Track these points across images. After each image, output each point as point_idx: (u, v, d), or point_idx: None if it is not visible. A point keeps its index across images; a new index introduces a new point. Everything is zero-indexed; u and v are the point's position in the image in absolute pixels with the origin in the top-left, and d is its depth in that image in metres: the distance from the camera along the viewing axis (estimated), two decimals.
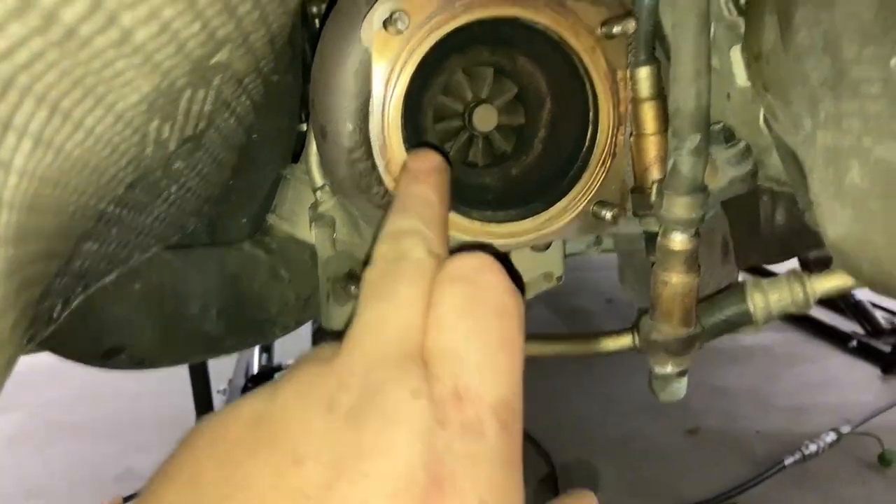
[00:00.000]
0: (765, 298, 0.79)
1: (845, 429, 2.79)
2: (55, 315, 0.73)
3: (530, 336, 0.88)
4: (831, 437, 2.74)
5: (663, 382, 0.80)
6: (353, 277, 0.92)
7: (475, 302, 0.42)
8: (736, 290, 0.81)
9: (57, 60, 0.42)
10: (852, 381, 3.33)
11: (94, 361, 0.94)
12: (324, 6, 1.34)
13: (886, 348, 3.43)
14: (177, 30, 0.48)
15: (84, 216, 0.63)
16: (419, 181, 0.55)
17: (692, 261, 0.73)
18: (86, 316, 0.90)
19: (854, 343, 3.54)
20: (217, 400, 3.45)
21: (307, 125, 1.19)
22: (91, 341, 0.91)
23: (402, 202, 0.53)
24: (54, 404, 3.21)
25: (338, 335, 0.52)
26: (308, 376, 0.40)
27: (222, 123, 0.70)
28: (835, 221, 0.62)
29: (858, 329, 3.63)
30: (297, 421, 0.37)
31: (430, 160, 0.59)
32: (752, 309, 0.79)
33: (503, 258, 0.47)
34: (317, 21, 1.32)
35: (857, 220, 0.59)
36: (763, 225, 1.17)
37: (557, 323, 3.71)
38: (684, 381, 0.81)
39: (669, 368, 0.79)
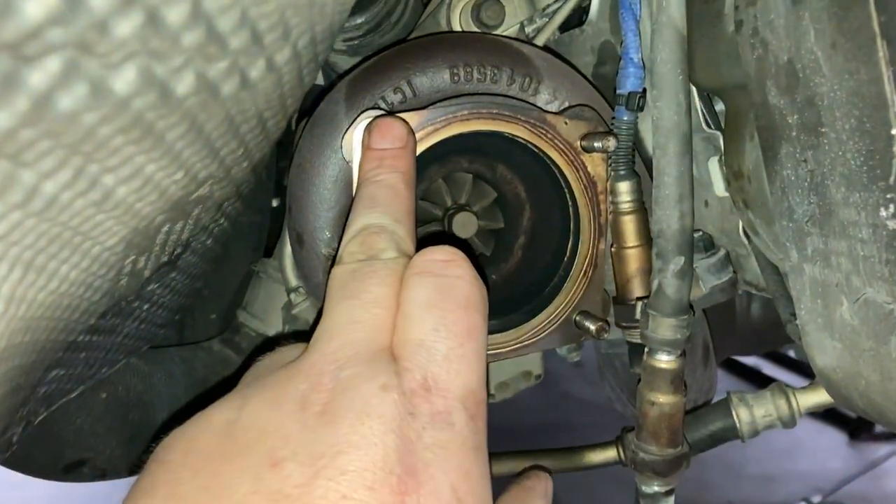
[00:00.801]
0: (750, 413, 0.78)
1: (816, 498, 2.79)
2: (15, 440, 0.69)
3: (515, 452, 0.86)
4: None
5: (651, 501, 0.79)
6: None
7: (441, 294, 0.43)
8: (721, 404, 0.80)
9: (35, 226, 0.40)
10: (820, 448, 3.34)
11: (53, 476, 0.89)
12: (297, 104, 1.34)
13: (853, 414, 3.45)
14: (159, 180, 0.46)
15: (53, 349, 0.60)
16: (384, 165, 0.54)
17: (679, 380, 0.72)
18: (47, 431, 0.85)
19: None
20: None
21: (279, 201, 1.18)
22: (51, 457, 0.87)
23: (370, 192, 0.52)
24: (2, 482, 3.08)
25: (298, 335, 0.50)
26: (277, 379, 0.41)
27: (199, 245, 0.68)
28: (823, 352, 0.62)
29: None
30: (271, 423, 0.38)
31: (393, 133, 0.57)
32: (737, 424, 0.78)
33: (469, 250, 0.46)
34: None
35: (846, 354, 0.58)
36: (739, 319, 1.17)
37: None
38: (672, 499, 0.79)
39: (656, 487, 0.77)
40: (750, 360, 3.73)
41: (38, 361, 0.59)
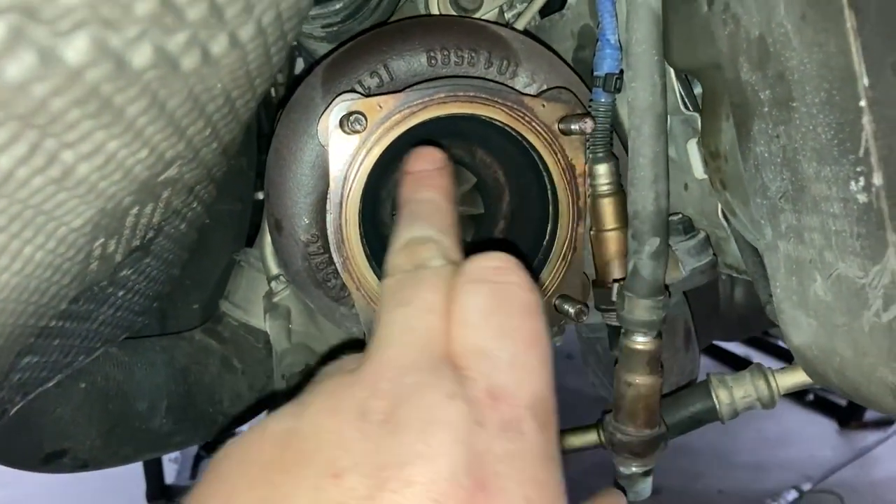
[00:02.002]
0: (730, 394, 0.78)
1: (806, 486, 2.80)
2: None
3: None
4: (792, 495, 2.75)
5: (629, 482, 0.79)
6: (310, 375, 0.89)
7: (500, 301, 0.42)
8: (700, 386, 0.80)
9: None
10: (810, 436, 3.36)
11: (33, 466, 0.89)
12: (280, 76, 1.33)
13: (843, 402, 3.47)
14: (122, 158, 0.46)
15: (23, 335, 0.60)
16: (424, 185, 0.54)
17: (655, 361, 0.72)
18: (25, 421, 0.85)
19: (811, 397, 3.58)
20: (168, 468, 3.33)
21: (263, 194, 1.17)
22: (31, 447, 0.86)
23: (411, 210, 0.52)
24: None
25: (358, 346, 0.49)
26: (335, 388, 0.39)
27: (172, 230, 0.68)
28: (798, 329, 0.62)
29: None
30: (331, 433, 0.36)
31: (431, 159, 0.57)
32: (717, 405, 0.78)
33: (522, 257, 0.45)
34: (273, 90, 1.31)
35: (821, 330, 0.58)
36: (723, 304, 1.17)
37: None
38: (649, 480, 0.79)
39: (634, 468, 0.77)
40: (741, 350, 3.75)
41: (8, 347, 0.58)
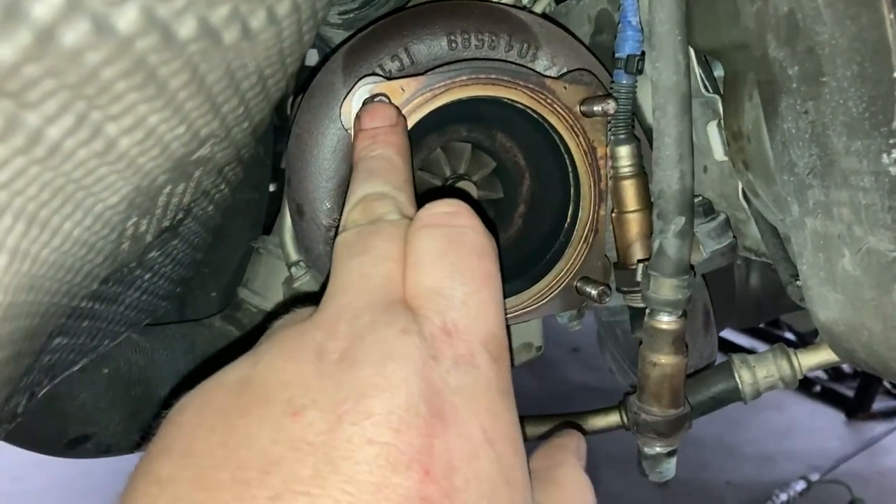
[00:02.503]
0: (752, 375, 0.78)
1: (814, 476, 2.80)
2: (20, 410, 0.69)
3: (521, 418, 0.86)
4: (801, 485, 2.75)
5: (653, 462, 0.79)
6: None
7: (452, 243, 0.43)
8: (723, 366, 0.80)
9: (38, 174, 0.40)
10: (818, 427, 3.36)
11: (57, 452, 0.89)
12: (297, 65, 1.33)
13: (850, 392, 3.47)
14: (161, 133, 0.46)
15: (56, 314, 0.60)
16: (378, 142, 0.55)
17: (680, 341, 0.72)
18: (50, 405, 0.85)
19: (818, 388, 3.58)
20: None
21: (276, 185, 1.17)
22: (55, 432, 0.87)
23: (367, 166, 0.53)
24: (1, 474, 3.07)
25: (308, 299, 0.50)
26: (291, 334, 0.40)
27: (200, 212, 0.68)
28: (826, 306, 0.62)
29: (821, 374, 3.68)
30: (288, 375, 0.37)
31: (384, 116, 0.58)
32: (740, 385, 0.78)
33: (475, 203, 0.46)
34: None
35: (849, 306, 0.59)
36: (738, 290, 1.17)
37: (523, 372, 3.68)
38: (674, 460, 0.79)
39: (658, 448, 0.78)
40: (747, 342, 3.75)
41: (42, 326, 0.59)
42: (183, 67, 0.41)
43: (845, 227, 0.56)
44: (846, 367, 3.59)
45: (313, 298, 0.45)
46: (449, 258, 0.42)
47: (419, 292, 0.41)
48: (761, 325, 3.66)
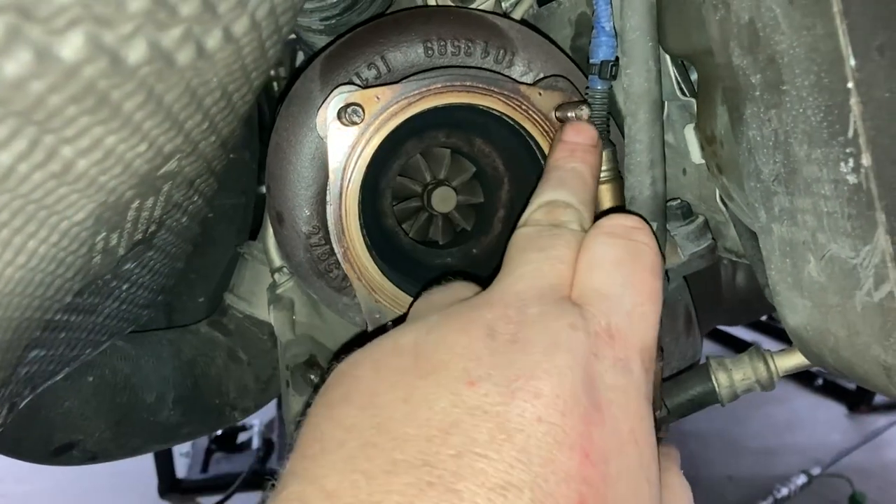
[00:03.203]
0: (729, 377, 0.78)
1: (815, 470, 2.80)
2: (0, 421, 0.70)
3: None
4: (802, 479, 2.75)
5: None
6: (314, 365, 0.90)
7: (629, 256, 0.46)
8: (700, 369, 0.80)
9: None
10: (819, 421, 3.36)
11: (43, 459, 0.90)
12: (282, 70, 1.34)
13: (851, 386, 3.47)
14: (122, 153, 0.47)
15: (29, 328, 0.61)
16: (575, 157, 0.58)
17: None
18: (34, 414, 0.86)
19: (819, 381, 3.58)
20: (180, 463, 3.36)
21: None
22: (41, 440, 0.88)
23: (559, 175, 0.55)
24: (4, 477, 3.10)
25: (472, 278, 0.53)
26: (461, 309, 0.42)
27: (174, 223, 0.68)
28: (794, 310, 0.62)
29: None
30: (462, 347, 0.39)
31: (586, 135, 0.61)
32: (717, 388, 0.79)
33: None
34: (275, 84, 1.31)
35: (815, 311, 0.59)
36: (725, 289, 1.17)
37: None
38: None
39: None
40: (749, 336, 3.74)
41: (15, 340, 0.60)
42: (137, 90, 0.42)
43: (810, 234, 0.56)
44: None
45: (464, 275, 0.48)
46: (624, 268, 0.45)
47: (588, 293, 0.44)
48: (765, 320, 3.66)
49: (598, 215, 0.51)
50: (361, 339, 0.42)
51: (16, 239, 0.46)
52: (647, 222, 0.50)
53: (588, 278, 0.44)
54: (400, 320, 0.51)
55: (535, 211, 0.52)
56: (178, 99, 0.47)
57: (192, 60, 0.44)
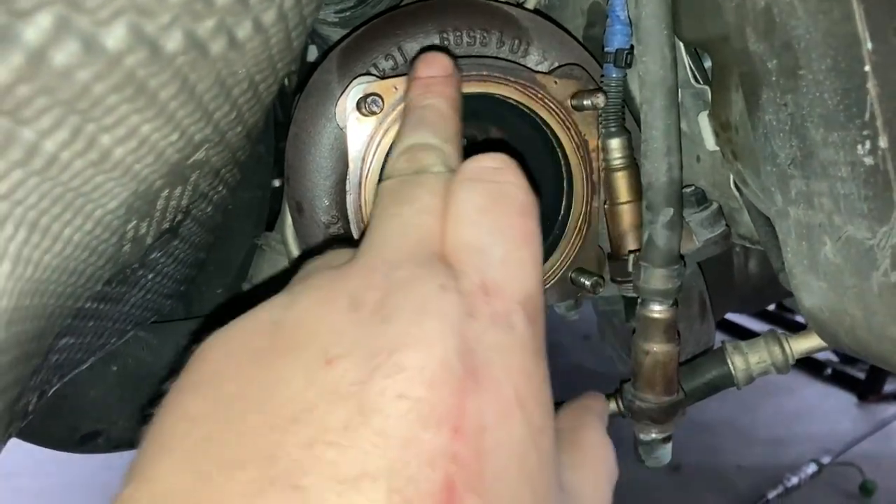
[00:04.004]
0: (745, 361, 0.79)
1: (825, 459, 2.81)
2: (30, 409, 0.72)
3: None
4: (812, 468, 2.76)
5: (649, 448, 0.81)
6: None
7: (496, 200, 0.42)
8: (716, 353, 0.81)
9: (37, 185, 0.42)
10: (829, 410, 3.36)
11: (69, 448, 0.92)
12: (294, 65, 1.35)
13: (861, 375, 3.47)
14: (155, 141, 0.48)
15: (61, 315, 0.62)
16: (431, 91, 0.54)
17: (672, 329, 0.74)
18: (61, 403, 0.88)
19: (829, 371, 3.58)
20: None
21: (280, 181, 1.19)
22: (66, 428, 0.90)
23: (417, 115, 0.52)
24: (21, 471, 3.12)
25: (345, 241, 0.49)
26: (325, 280, 0.39)
27: (199, 213, 0.70)
28: (810, 292, 0.63)
29: (832, 356, 3.67)
30: (323, 322, 0.36)
31: (440, 66, 0.56)
32: (732, 371, 0.80)
33: (520, 158, 0.46)
34: (286, 80, 1.32)
35: (831, 293, 0.60)
36: (737, 275, 1.18)
37: None
38: (669, 446, 0.81)
39: (654, 435, 0.79)
40: (758, 326, 3.75)
41: (48, 328, 0.61)
42: (172, 79, 0.43)
43: (826, 217, 0.57)
44: None
45: (350, 242, 0.44)
46: (491, 214, 0.41)
47: (458, 247, 0.40)
48: (777, 312, 3.67)
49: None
50: (232, 306, 0.39)
51: (54, 226, 0.48)
52: (515, 162, 0.45)
53: (456, 231, 0.41)
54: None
55: (396, 159, 0.48)
56: (209, 89, 0.48)
57: (224, 51, 0.46)
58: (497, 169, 0.44)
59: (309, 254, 0.50)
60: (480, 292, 0.37)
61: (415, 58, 0.60)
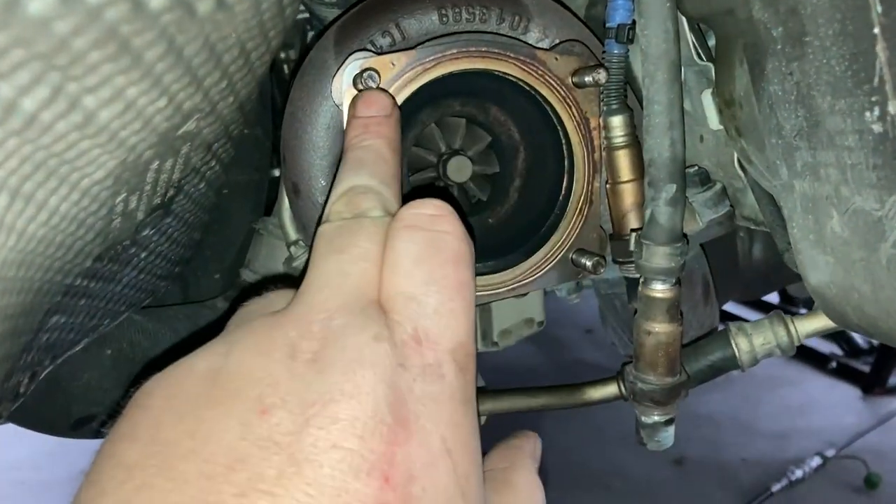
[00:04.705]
0: (749, 342, 0.78)
1: (830, 452, 2.79)
2: (22, 390, 0.70)
3: (514, 390, 0.87)
4: (816, 461, 2.74)
5: (651, 431, 0.79)
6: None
7: (431, 249, 0.43)
8: (720, 335, 0.80)
9: (17, 147, 0.41)
10: (834, 403, 3.34)
11: (63, 432, 0.91)
12: (292, 52, 1.34)
13: (865, 368, 3.45)
14: (142, 107, 0.47)
15: (50, 291, 0.61)
16: (369, 132, 0.55)
17: (675, 309, 0.72)
18: (54, 386, 0.87)
19: (833, 364, 3.56)
20: None
21: (279, 170, 1.18)
22: (60, 412, 0.88)
23: (356, 156, 0.53)
24: (23, 464, 3.12)
25: (284, 280, 0.49)
26: (264, 327, 0.40)
27: (192, 189, 0.69)
28: (816, 268, 0.62)
29: (837, 350, 3.66)
30: (259, 371, 0.37)
31: (379, 106, 0.57)
32: (737, 353, 0.78)
33: (455, 203, 0.46)
34: (286, 67, 1.31)
35: (839, 268, 0.58)
36: (742, 261, 1.17)
37: (536, 353, 3.69)
38: (671, 429, 0.79)
39: (656, 417, 0.78)
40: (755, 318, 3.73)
41: (37, 302, 0.60)
42: (158, 39, 0.42)
43: (832, 188, 0.56)
44: (862, 342, 3.57)
45: (285, 280, 0.45)
46: (426, 264, 0.43)
47: (393, 296, 0.42)
48: (780, 304, 3.65)
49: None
50: (176, 352, 0.40)
51: (38, 194, 0.46)
52: (452, 209, 0.46)
53: (392, 280, 0.42)
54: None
55: (335, 202, 0.48)
56: (197, 53, 0.47)
57: (212, 11, 0.44)
58: (434, 217, 0.45)
59: (246, 294, 0.51)
60: (413, 342, 0.39)
61: (354, 99, 0.61)
